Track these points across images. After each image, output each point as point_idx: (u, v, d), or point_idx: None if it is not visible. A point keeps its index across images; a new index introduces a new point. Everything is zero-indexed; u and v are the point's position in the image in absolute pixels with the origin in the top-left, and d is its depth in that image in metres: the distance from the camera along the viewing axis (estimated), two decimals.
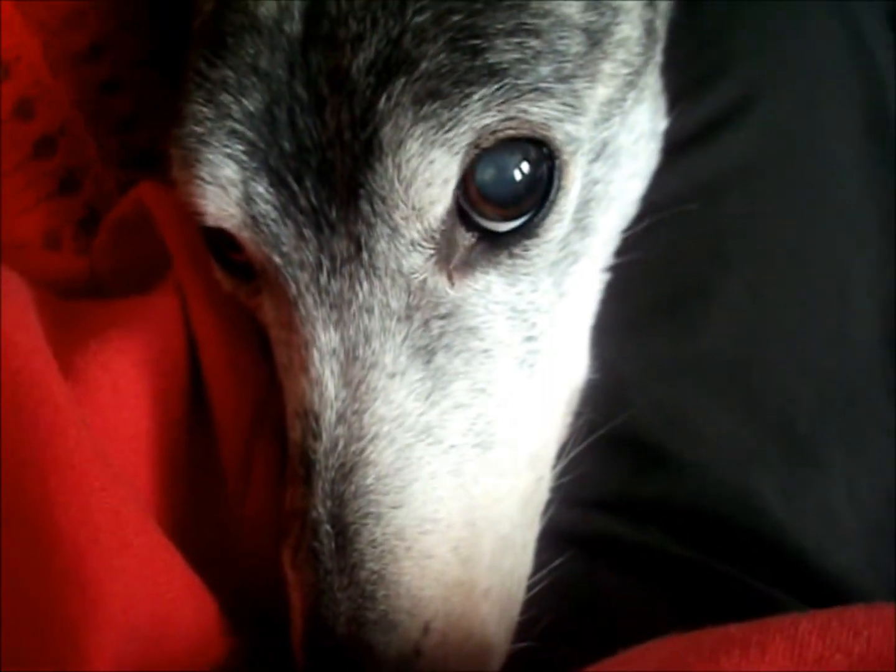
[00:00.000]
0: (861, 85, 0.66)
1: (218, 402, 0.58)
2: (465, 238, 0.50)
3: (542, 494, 0.55)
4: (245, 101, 0.49)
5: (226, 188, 0.50)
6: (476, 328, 0.51)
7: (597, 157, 0.53)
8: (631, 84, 0.55)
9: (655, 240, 0.59)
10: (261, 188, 0.49)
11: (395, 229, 0.49)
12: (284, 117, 0.49)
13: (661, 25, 0.59)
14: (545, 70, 0.48)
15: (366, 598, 0.47)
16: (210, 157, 0.50)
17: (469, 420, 0.50)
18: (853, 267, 0.62)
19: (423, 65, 0.46)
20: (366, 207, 0.48)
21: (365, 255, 0.49)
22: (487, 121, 0.47)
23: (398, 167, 0.47)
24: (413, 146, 0.46)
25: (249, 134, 0.49)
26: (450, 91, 0.46)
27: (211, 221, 0.52)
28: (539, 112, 0.48)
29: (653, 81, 0.59)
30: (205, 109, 0.50)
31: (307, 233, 0.49)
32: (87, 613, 0.44)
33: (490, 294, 0.51)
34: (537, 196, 0.50)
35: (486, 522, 0.50)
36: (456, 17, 0.47)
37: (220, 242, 0.56)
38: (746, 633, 0.37)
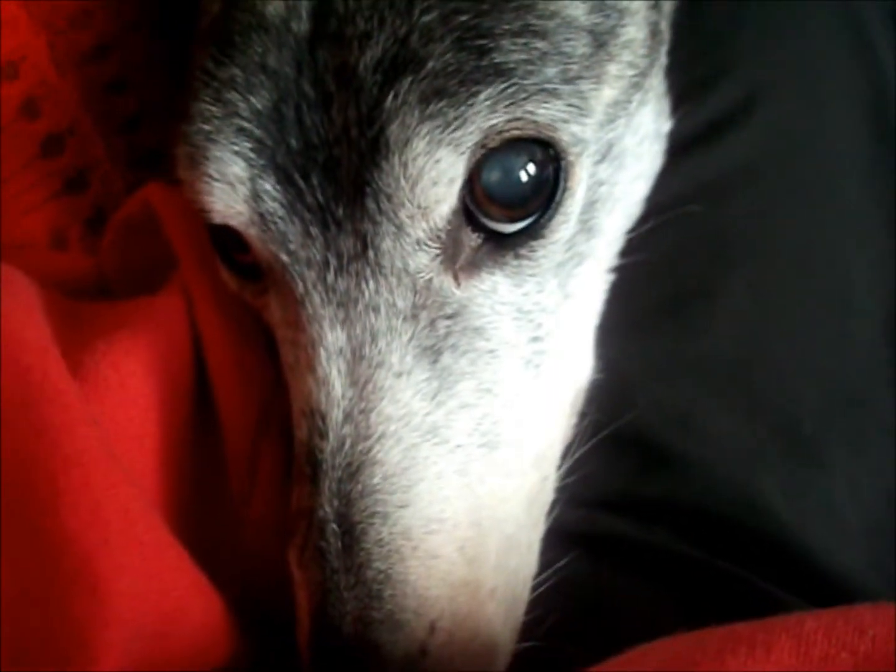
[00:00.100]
0: (864, 85, 0.66)
1: (224, 403, 0.58)
2: (471, 239, 0.50)
3: (548, 494, 0.55)
4: (253, 99, 0.49)
5: (233, 185, 0.50)
6: (482, 328, 0.51)
7: (602, 158, 0.53)
8: (636, 86, 0.55)
9: (659, 241, 0.59)
10: (268, 185, 0.50)
11: (400, 228, 0.49)
12: (292, 115, 0.49)
13: (665, 27, 0.59)
14: (551, 71, 0.49)
15: (372, 598, 0.47)
16: (218, 154, 0.50)
17: (475, 420, 0.50)
18: (855, 267, 0.62)
19: (430, 64, 0.46)
20: (371, 205, 0.48)
21: (371, 254, 0.49)
22: (494, 121, 0.47)
23: (404, 165, 0.47)
24: (419, 145, 0.47)
25: (257, 131, 0.49)
26: (456, 90, 0.46)
27: (218, 219, 0.52)
28: (545, 113, 0.48)
29: (657, 83, 0.59)
30: (212, 108, 0.50)
31: (314, 230, 0.49)
32: (95, 611, 0.44)
33: (496, 294, 0.51)
34: (543, 197, 0.50)
35: (492, 522, 0.50)
36: (463, 18, 0.47)
37: (226, 242, 0.56)
38: (752, 632, 0.37)
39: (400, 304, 0.50)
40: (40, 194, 0.67)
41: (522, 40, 0.48)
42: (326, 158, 0.48)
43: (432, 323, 0.50)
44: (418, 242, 0.49)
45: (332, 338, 0.50)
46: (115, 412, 0.53)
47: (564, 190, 0.51)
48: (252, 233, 0.51)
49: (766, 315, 0.60)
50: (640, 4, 0.55)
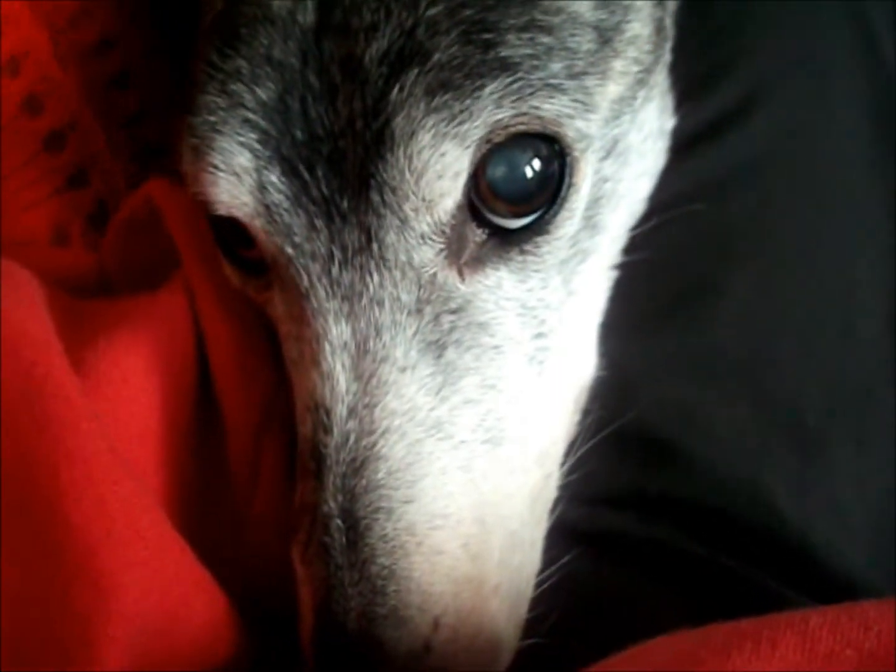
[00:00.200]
0: (867, 82, 0.66)
1: (226, 399, 0.58)
2: (476, 234, 0.50)
3: (551, 491, 0.55)
4: (258, 91, 0.49)
5: (239, 176, 0.50)
6: (486, 324, 0.51)
7: (607, 154, 0.53)
8: (641, 82, 0.55)
9: (663, 238, 0.59)
10: (273, 177, 0.49)
11: (405, 221, 0.49)
12: (297, 106, 0.49)
13: (670, 24, 0.59)
14: (556, 66, 0.49)
15: (376, 594, 0.47)
16: (224, 145, 0.50)
17: (479, 416, 0.50)
18: (858, 263, 0.62)
19: (436, 56, 0.46)
20: (376, 198, 0.48)
21: (375, 247, 0.49)
22: (500, 116, 0.47)
23: (409, 158, 0.47)
24: (425, 137, 0.47)
25: (262, 123, 0.49)
26: (462, 83, 0.46)
27: (223, 210, 0.52)
28: (551, 108, 0.48)
29: (661, 80, 0.59)
30: (218, 99, 0.50)
31: (319, 223, 0.49)
32: (99, 606, 0.44)
33: (501, 290, 0.51)
34: (548, 193, 0.50)
35: (496, 519, 0.50)
36: (468, 11, 0.47)
37: (229, 238, 0.56)
38: (757, 629, 0.37)
39: (404, 298, 0.49)
40: (42, 190, 0.67)
41: (528, 35, 0.48)
42: (331, 150, 0.48)
43: (437, 318, 0.50)
44: (423, 236, 0.49)
45: (337, 332, 0.50)
46: (117, 409, 0.53)
47: (569, 186, 0.51)
48: (257, 224, 0.51)
49: (770, 312, 0.60)
50: (645, 1, 0.55)
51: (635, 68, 0.54)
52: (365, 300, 0.49)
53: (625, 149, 0.55)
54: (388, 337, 0.49)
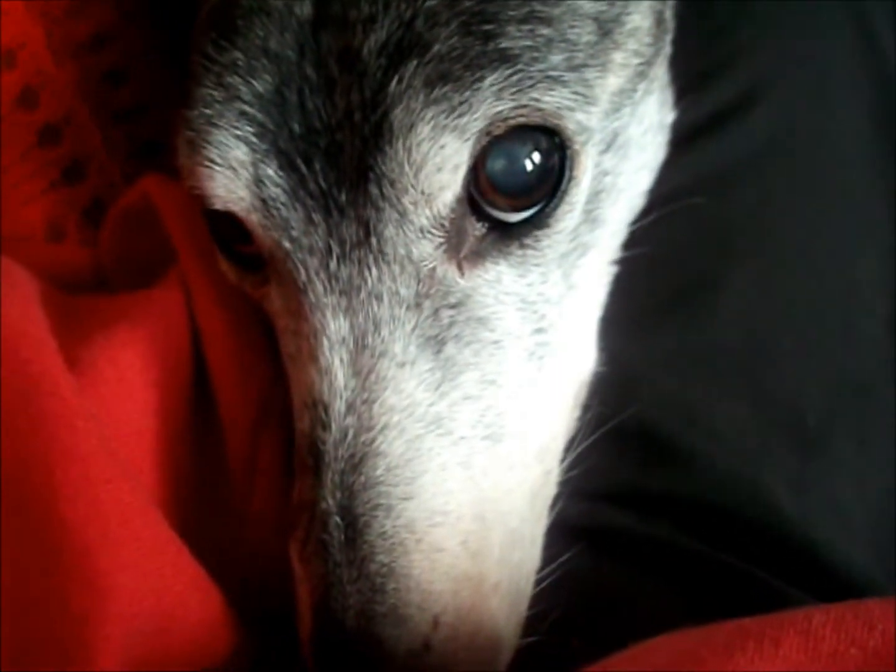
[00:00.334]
0: (869, 78, 0.66)
1: (223, 396, 0.57)
2: (476, 228, 0.50)
3: (551, 488, 0.54)
4: (255, 83, 0.49)
5: (236, 170, 0.50)
6: (486, 319, 0.51)
7: (607, 147, 0.53)
8: (641, 75, 0.54)
9: (663, 233, 0.59)
10: (270, 171, 0.49)
11: (403, 214, 0.48)
12: (294, 99, 0.48)
13: (670, 17, 0.59)
14: (556, 58, 0.48)
15: (375, 592, 0.46)
16: (220, 138, 0.50)
17: (479, 412, 0.50)
18: (859, 263, 0.62)
19: (436, 47, 0.46)
20: (374, 191, 0.48)
21: (374, 241, 0.49)
22: (499, 108, 0.47)
23: (408, 150, 0.46)
24: (424, 130, 0.46)
25: (259, 116, 0.49)
26: (461, 74, 0.46)
27: (219, 205, 0.51)
28: (551, 100, 0.48)
29: (661, 73, 0.59)
30: (214, 92, 0.50)
31: (316, 217, 0.49)
32: (95, 606, 0.44)
33: (500, 285, 0.51)
34: (549, 186, 0.50)
35: (496, 516, 0.50)
36: (468, 2, 0.47)
37: (225, 233, 0.55)
38: (760, 628, 0.37)
39: (403, 292, 0.49)
40: (38, 184, 0.67)
41: (528, 27, 0.47)
42: (329, 143, 0.48)
43: (436, 312, 0.50)
44: (422, 230, 0.49)
45: (335, 327, 0.49)
46: (114, 406, 0.52)
47: (570, 179, 0.51)
48: (254, 219, 0.51)
49: (770, 310, 0.60)
50: None
51: (635, 60, 0.54)
52: (363, 294, 0.49)
53: (625, 142, 0.54)
54: (387, 332, 0.49)
